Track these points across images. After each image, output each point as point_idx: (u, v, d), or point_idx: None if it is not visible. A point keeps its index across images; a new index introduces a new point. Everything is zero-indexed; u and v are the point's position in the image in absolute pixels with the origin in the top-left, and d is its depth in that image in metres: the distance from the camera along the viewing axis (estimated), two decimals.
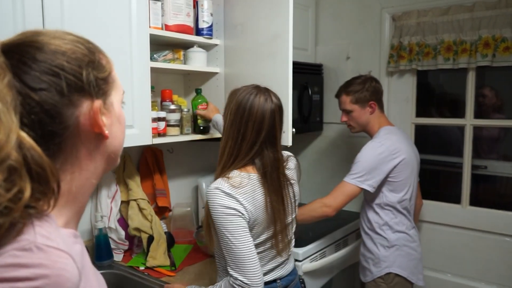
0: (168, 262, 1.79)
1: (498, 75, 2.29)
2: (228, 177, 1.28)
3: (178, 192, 2.24)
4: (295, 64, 2.39)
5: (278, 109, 1.32)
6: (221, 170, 1.33)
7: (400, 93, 2.46)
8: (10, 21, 1.21)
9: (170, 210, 2.15)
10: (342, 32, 2.62)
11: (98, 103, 0.63)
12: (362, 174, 1.85)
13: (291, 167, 1.44)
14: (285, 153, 1.46)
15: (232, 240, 1.23)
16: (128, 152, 1.97)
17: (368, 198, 1.98)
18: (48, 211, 0.56)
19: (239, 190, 1.26)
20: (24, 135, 0.53)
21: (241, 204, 1.24)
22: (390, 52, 2.39)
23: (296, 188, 1.43)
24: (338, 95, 2.07)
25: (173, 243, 2.00)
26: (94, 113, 0.63)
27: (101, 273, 1.70)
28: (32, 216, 0.54)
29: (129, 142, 1.60)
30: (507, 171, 2.32)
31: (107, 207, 1.85)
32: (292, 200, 1.40)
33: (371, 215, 1.96)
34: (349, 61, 2.60)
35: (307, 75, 2.49)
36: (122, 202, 1.91)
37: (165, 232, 1.94)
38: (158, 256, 1.79)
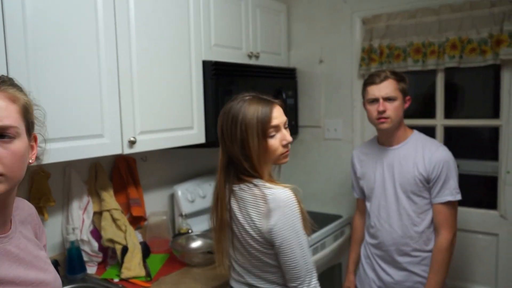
0: (143, 273, 1.76)
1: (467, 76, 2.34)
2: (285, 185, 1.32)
3: (153, 200, 2.21)
4: (269, 69, 2.41)
5: None
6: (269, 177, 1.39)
7: None
8: None
9: (145, 220, 2.11)
10: (315, 36, 2.64)
11: None
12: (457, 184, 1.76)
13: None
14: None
15: (306, 244, 1.30)
16: (100, 161, 1.93)
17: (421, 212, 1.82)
18: None
19: None
20: None
21: None
22: (361, 55, 2.42)
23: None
24: (381, 79, 1.77)
25: (149, 253, 1.97)
26: None
27: (74, 287, 1.66)
28: None
29: (98, 152, 1.57)
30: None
31: (79, 218, 1.80)
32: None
33: (429, 231, 1.82)
34: (322, 64, 2.62)
35: (280, 80, 2.50)
36: (94, 213, 1.87)
37: (140, 242, 1.91)
38: (132, 267, 1.75)
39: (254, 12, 2.33)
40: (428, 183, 1.77)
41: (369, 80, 1.82)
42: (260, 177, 1.34)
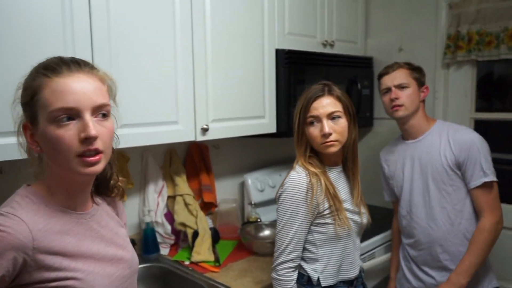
0: (212, 258, 1.80)
1: None
2: None
3: (224, 188, 2.25)
4: (343, 57, 2.32)
5: None
6: None
7: (458, 86, 2.30)
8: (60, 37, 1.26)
9: (216, 206, 2.16)
10: (394, 23, 2.49)
11: (23, 124, 0.84)
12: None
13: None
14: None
15: (290, 228, 1.39)
16: (174, 148, 2.00)
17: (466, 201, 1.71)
18: (35, 191, 0.85)
19: None
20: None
21: None
22: (446, 42, 2.24)
23: None
24: (393, 69, 1.77)
25: (219, 238, 2.01)
26: (24, 133, 0.85)
27: (148, 266, 1.76)
28: (17, 194, 0.84)
29: (173, 138, 1.62)
30: None
31: (154, 201, 1.89)
32: None
33: (469, 224, 1.70)
34: (402, 53, 2.47)
35: (356, 69, 2.40)
36: (168, 197, 1.95)
37: (211, 228, 1.95)
38: (202, 251, 1.80)
39: None
40: (459, 168, 1.66)
41: (383, 71, 1.82)
42: (298, 160, 1.42)
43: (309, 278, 1.39)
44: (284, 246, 1.36)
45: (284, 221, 1.36)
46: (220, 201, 2.17)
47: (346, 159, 1.46)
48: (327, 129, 1.33)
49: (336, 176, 1.44)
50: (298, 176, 1.36)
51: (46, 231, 0.80)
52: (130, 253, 0.99)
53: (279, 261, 1.37)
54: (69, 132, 0.79)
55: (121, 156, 1.78)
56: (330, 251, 1.39)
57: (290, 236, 1.35)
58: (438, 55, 2.32)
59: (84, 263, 0.85)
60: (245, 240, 1.92)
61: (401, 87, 1.75)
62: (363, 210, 1.48)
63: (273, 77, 1.97)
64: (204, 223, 1.91)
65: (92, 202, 0.95)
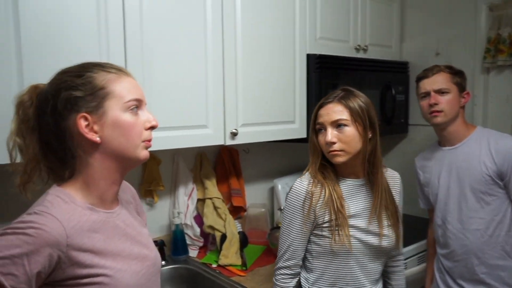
0: (239, 262, 1.81)
1: None
2: None
3: (254, 192, 2.26)
4: (377, 62, 2.28)
5: None
6: None
7: (499, 91, 2.20)
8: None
9: (245, 210, 2.16)
10: (431, 26, 2.42)
11: (80, 115, 0.85)
12: None
13: None
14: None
15: (290, 233, 1.35)
16: (205, 151, 2.03)
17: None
18: (64, 190, 0.87)
19: None
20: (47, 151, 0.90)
21: None
22: (486, 46, 2.15)
23: None
24: (433, 72, 1.70)
25: (247, 243, 2.01)
26: (76, 124, 0.85)
27: (176, 267, 1.79)
28: (49, 194, 0.87)
29: (202, 142, 1.64)
30: None
31: (184, 204, 1.92)
32: None
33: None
34: (439, 57, 2.39)
35: (390, 74, 2.35)
36: (198, 200, 1.97)
37: (239, 232, 1.96)
38: (230, 255, 1.81)
39: (364, 3, 2.23)
40: (501, 178, 1.58)
41: (422, 75, 1.74)
42: (308, 167, 1.37)
43: (300, 286, 1.37)
44: (281, 252, 1.35)
45: (283, 228, 1.35)
46: (249, 205, 2.17)
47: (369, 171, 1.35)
48: (329, 138, 1.26)
49: (352, 189, 1.34)
50: (300, 184, 1.33)
51: (78, 228, 0.83)
52: (153, 252, 1.01)
53: (276, 266, 1.37)
54: (139, 120, 0.91)
55: (152, 159, 1.82)
56: (324, 265, 1.33)
57: (287, 243, 1.33)
58: (477, 60, 2.23)
59: (112, 261, 0.87)
60: (273, 246, 1.91)
61: (441, 92, 1.67)
62: (387, 232, 1.32)
63: (304, 82, 1.96)
64: (232, 227, 1.92)
65: (117, 202, 0.98)
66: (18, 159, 0.89)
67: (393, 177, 1.45)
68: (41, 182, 0.91)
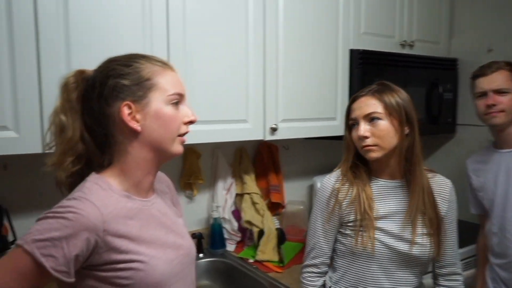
0: (277, 258, 1.80)
1: None
2: None
3: (293, 189, 2.24)
4: (423, 59, 2.20)
5: None
6: None
7: None
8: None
9: (283, 207, 2.15)
10: (483, 21, 2.30)
11: (125, 103, 0.87)
12: None
13: None
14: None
15: (316, 229, 1.32)
16: (244, 146, 2.03)
17: None
18: (102, 178, 0.90)
19: None
20: (86, 135, 0.91)
21: None
22: None
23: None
24: (492, 70, 1.59)
25: (284, 239, 1.99)
26: (120, 111, 0.87)
27: (213, 260, 1.80)
28: (87, 181, 0.89)
29: (242, 136, 1.65)
30: None
31: (223, 198, 1.93)
32: None
33: None
34: (492, 54, 2.27)
35: (437, 71, 2.26)
36: (237, 194, 1.98)
37: (277, 228, 1.95)
38: (267, 250, 1.81)
39: None
40: None
41: (478, 72, 1.62)
42: (340, 164, 1.33)
43: (324, 284, 1.34)
44: (308, 250, 1.34)
45: (310, 224, 1.34)
46: (288, 202, 2.16)
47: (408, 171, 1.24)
48: (361, 132, 1.19)
49: (384, 190, 1.26)
50: (327, 180, 1.30)
51: (114, 215, 0.85)
52: (188, 242, 1.02)
53: (304, 264, 1.36)
54: (179, 114, 0.92)
55: (193, 152, 1.85)
56: (346, 265, 1.28)
57: (313, 240, 1.31)
58: None
59: (147, 248, 0.89)
60: None
61: (500, 92, 1.56)
62: (421, 240, 1.21)
63: (347, 78, 1.92)
64: (270, 223, 1.91)
65: (153, 191, 1.00)
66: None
67: (441, 183, 1.31)
68: (73, 167, 0.90)
